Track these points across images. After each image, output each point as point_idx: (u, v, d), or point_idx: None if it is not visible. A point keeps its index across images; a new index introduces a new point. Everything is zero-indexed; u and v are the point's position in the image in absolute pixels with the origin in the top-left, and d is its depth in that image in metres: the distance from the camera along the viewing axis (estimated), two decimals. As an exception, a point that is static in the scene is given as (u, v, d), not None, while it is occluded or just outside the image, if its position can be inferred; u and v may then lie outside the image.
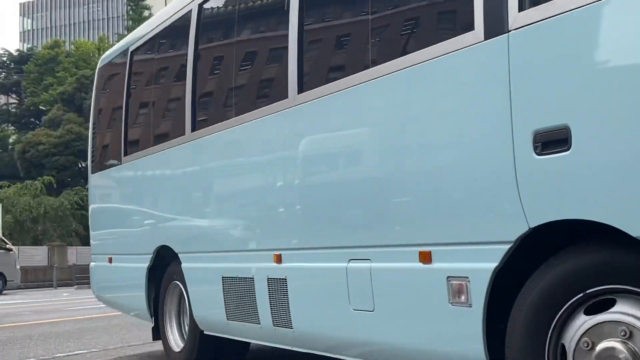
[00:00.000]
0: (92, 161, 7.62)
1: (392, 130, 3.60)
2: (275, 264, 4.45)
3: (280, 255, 4.41)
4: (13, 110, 63.74)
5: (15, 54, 66.81)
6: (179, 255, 5.69)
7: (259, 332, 4.73)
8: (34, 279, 31.74)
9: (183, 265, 5.62)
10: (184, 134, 5.52)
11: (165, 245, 5.88)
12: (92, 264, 7.61)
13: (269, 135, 4.62)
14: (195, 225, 5.50)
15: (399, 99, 3.55)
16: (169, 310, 6.16)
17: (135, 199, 6.65)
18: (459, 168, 3.20)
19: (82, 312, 13.33)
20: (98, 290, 7.54)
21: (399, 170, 3.57)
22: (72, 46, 68.41)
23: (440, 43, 3.30)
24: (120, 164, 6.75)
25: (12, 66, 65.17)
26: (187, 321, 5.89)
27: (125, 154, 6.65)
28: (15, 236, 36.82)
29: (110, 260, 7.02)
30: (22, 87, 61.95)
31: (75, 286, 30.98)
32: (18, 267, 25.83)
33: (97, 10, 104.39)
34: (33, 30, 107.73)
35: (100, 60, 7.92)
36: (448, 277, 3.20)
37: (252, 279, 4.68)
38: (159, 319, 6.27)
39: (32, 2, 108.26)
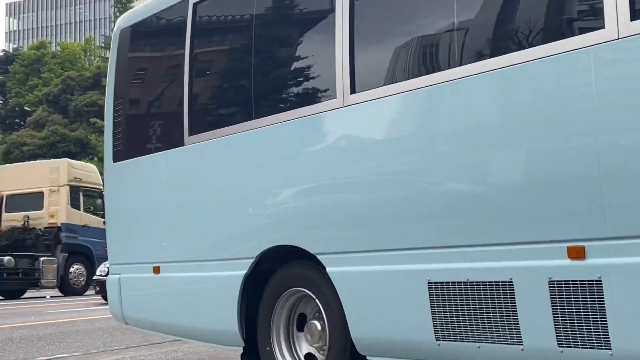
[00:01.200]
0: (116, 147, 6.04)
1: None
2: (570, 261, 3.36)
3: (582, 248, 3.31)
4: (-3, 110, 63.47)
5: (1, 54, 66.55)
6: (319, 257, 4.44)
7: (517, 356, 3.58)
8: (16, 281, 31.53)
9: (330, 269, 4.36)
10: (335, 97, 4.40)
11: (277, 246, 4.67)
12: (113, 276, 5.98)
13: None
14: (363, 214, 4.23)
15: None
16: (277, 329, 4.85)
17: (217, 188, 5.21)
18: None
19: (64, 315, 13.25)
20: (131, 310, 5.86)
21: None
22: (58, 47, 68.26)
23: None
24: (183, 145, 5.37)
25: (-3, 66, 64.94)
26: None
27: (192, 133, 5.30)
28: None
29: (157, 270, 5.54)
30: (7, 88, 61.71)
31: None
32: (1, 268, 25.70)
33: (84, 11, 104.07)
34: (19, 30, 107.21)
35: (122, 19, 6.21)
36: None
37: (508, 283, 3.57)
38: (257, 341, 4.92)
39: (19, 2, 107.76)
